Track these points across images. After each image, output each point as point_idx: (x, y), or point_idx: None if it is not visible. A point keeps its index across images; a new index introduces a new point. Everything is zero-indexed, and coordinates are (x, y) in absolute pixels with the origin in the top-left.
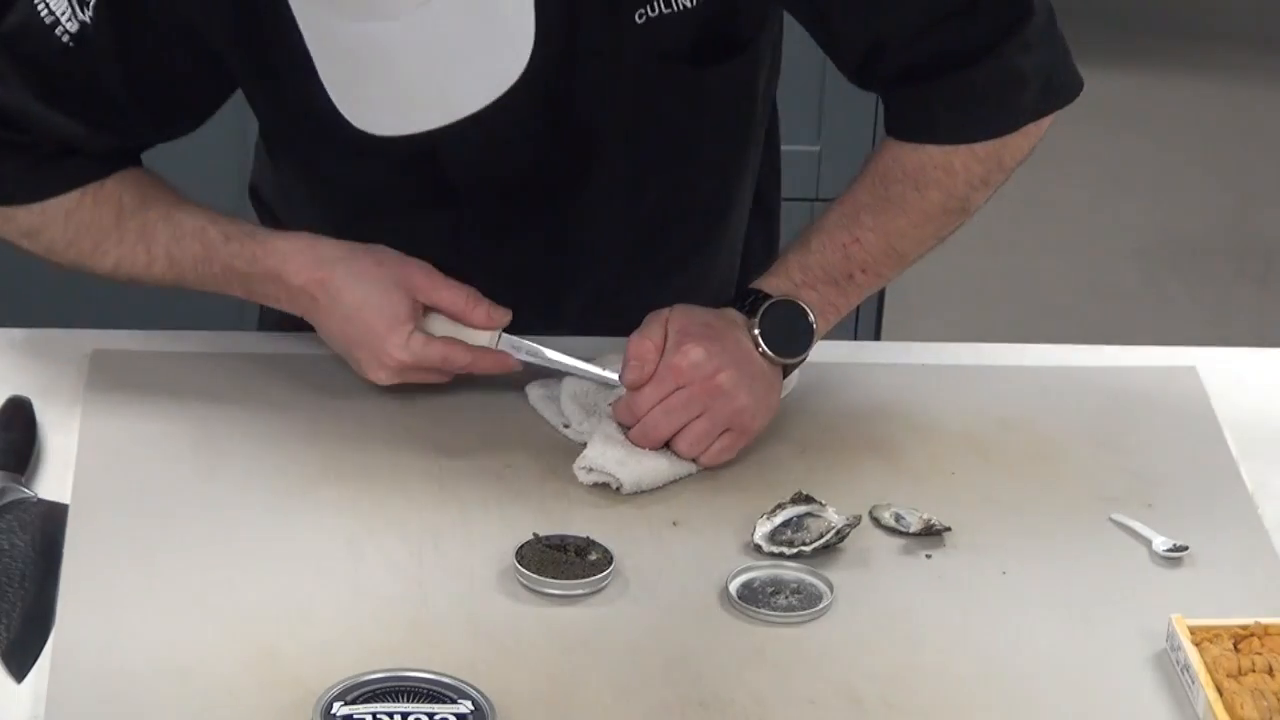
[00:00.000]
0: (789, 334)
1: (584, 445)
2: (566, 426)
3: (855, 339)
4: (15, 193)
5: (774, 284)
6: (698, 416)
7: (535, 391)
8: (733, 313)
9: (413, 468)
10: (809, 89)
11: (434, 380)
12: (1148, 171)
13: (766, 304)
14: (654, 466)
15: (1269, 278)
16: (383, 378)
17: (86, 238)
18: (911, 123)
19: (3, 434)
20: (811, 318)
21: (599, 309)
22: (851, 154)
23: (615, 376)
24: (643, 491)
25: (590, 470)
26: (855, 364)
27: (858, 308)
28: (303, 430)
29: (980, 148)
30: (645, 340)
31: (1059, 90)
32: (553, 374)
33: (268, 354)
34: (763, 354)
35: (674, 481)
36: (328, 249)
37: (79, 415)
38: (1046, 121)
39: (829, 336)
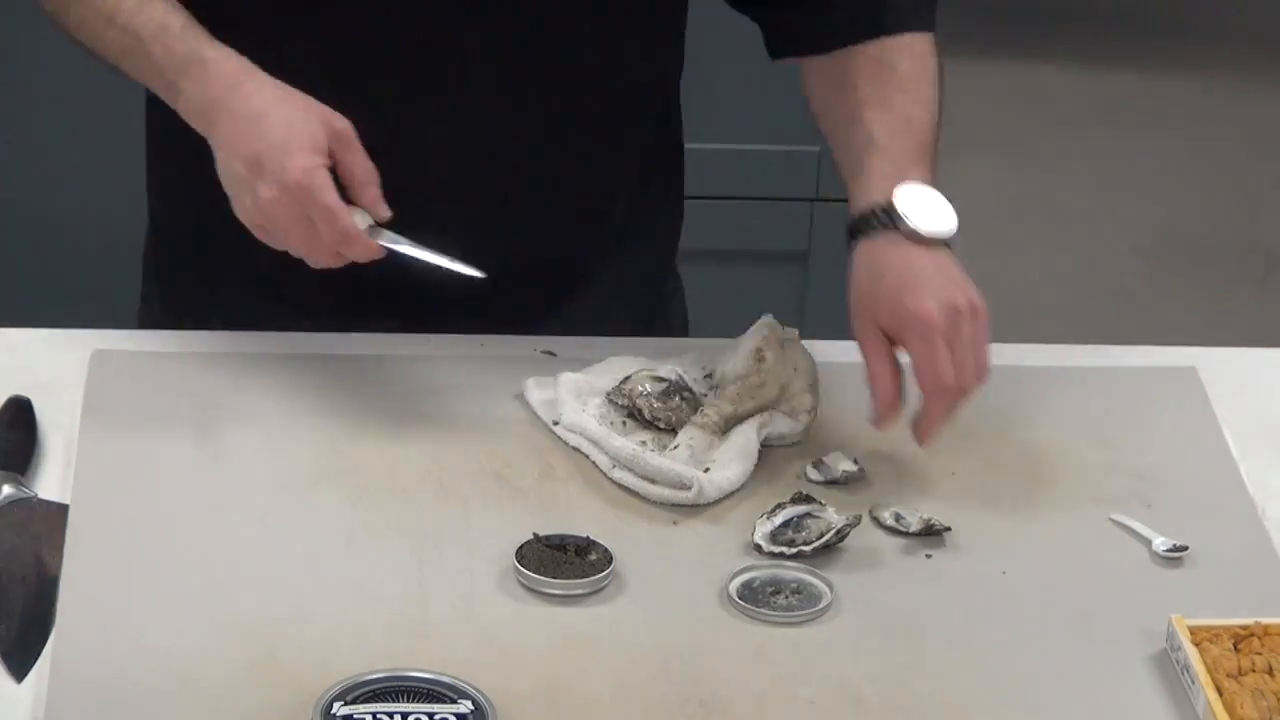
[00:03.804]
0: (934, 210)
1: (579, 445)
2: (556, 424)
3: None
4: None
5: (880, 188)
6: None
7: (530, 388)
8: (879, 244)
9: (413, 468)
10: None
11: (291, 233)
12: (1148, 171)
13: (897, 198)
14: (730, 475)
15: (1269, 278)
16: (261, 197)
17: None
18: (864, 22)
19: (3, 434)
20: (933, 186)
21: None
22: None
23: (477, 271)
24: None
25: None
26: (855, 364)
27: None
28: (303, 430)
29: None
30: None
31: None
32: (549, 371)
33: (268, 354)
34: (929, 244)
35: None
36: (263, 72)
37: (79, 415)
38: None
39: (830, 335)
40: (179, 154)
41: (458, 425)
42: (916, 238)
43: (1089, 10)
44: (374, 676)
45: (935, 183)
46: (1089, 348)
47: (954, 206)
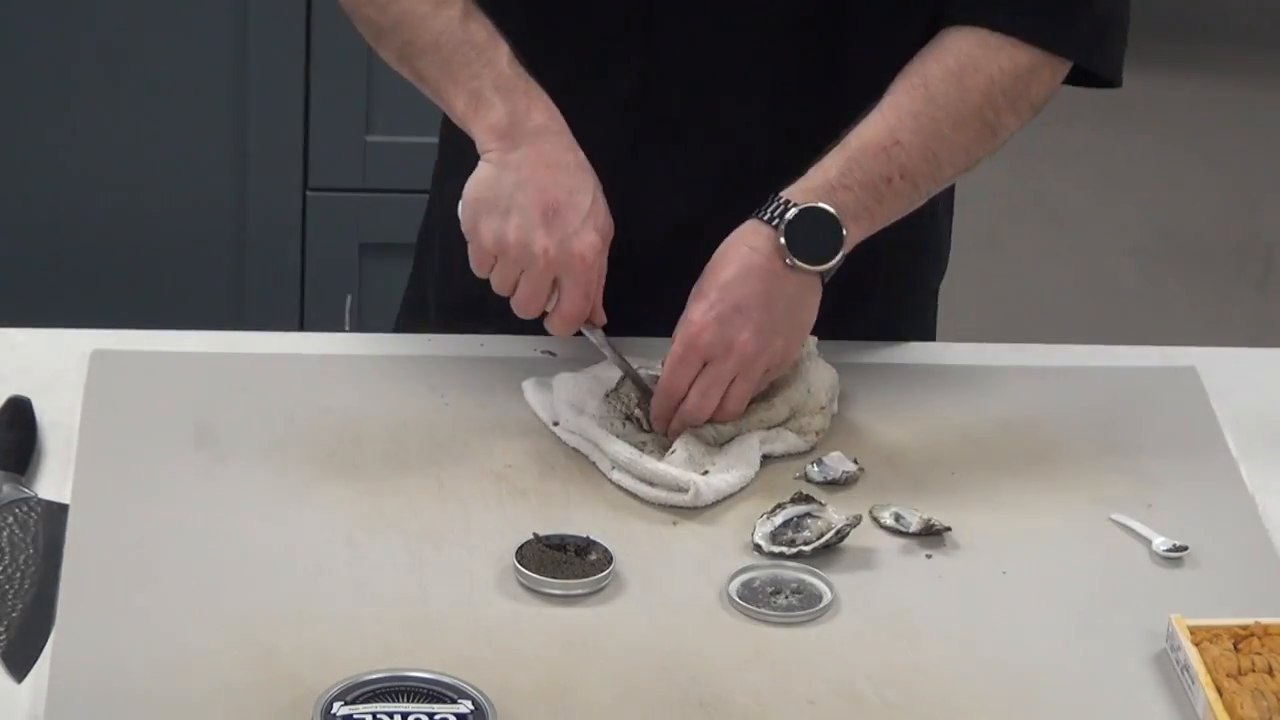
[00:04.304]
0: (819, 239)
1: (578, 445)
2: (556, 424)
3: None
4: None
5: (806, 186)
6: (732, 382)
7: (530, 388)
8: (753, 227)
9: (413, 468)
10: None
11: (530, 283)
12: (1148, 171)
13: (793, 211)
14: (729, 479)
15: (1269, 278)
16: (535, 244)
17: None
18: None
19: (3, 434)
20: (842, 222)
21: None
22: None
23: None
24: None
25: (655, 486)
26: (855, 364)
27: None
28: (303, 430)
29: (1022, 56)
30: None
31: (1105, 55)
32: (548, 371)
33: (268, 354)
34: (790, 264)
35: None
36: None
37: (79, 415)
38: (1064, 70)
39: (829, 336)
40: None
41: (458, 425)
42: (783, 258)
43: None
44: (374, 676)
45: (879, 215)
46: (1089, 348)
47: (951, 206)
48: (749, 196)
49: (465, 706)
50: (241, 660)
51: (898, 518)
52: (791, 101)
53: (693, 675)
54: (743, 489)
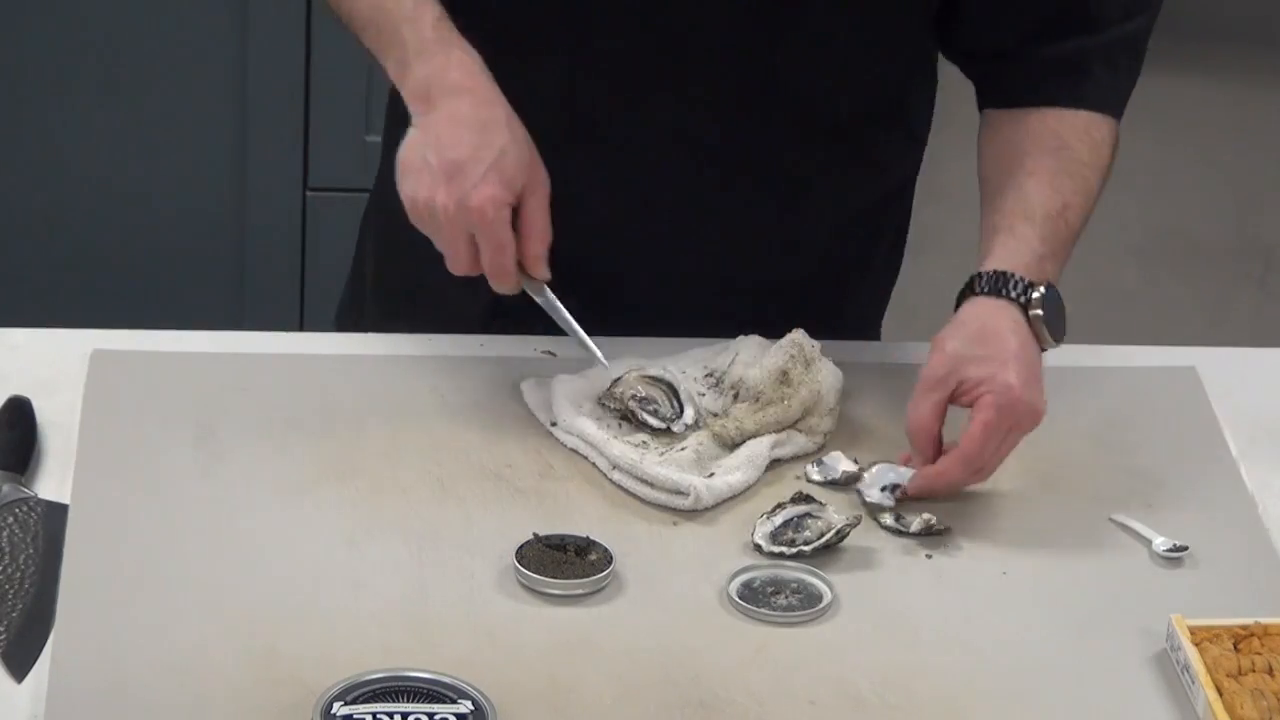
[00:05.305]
0: (1059, 317)
1: (576, 446)
2: (554, 425)
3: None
4: None
5: (1022, 262)
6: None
7: (529, 388)
8: (1000, 307)
9: (413, 468)
10: None
11: (445, 237)
12: (1148, 171)
13: (1041, 293)
14: (732, 481)
15: (1269, 278)
16: (437, 200)
17: None
18: (1066, 86)
19: (3, 434)
20: (1060, 295)
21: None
22: None
23: (601, 356)
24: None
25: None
26: (855, 364)
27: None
28: (303, 430)
29: (1098, 122)
30: (921, 417)
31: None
32: (548, 371)
33: (268, 354)
34: (1041, 342)
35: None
36: (502, 94)
37: (79, 415)
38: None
39: (828, 336)
40: None
41: (458, 425)
42: (1037, 335)
43: None
44: (374, 676)
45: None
46: (1089, 348)
47: (953, 207)
48: (672, 200)
49: (465, 706)
50: (241, 660)
51: (898, 517)
52: (721, 105)
53: (693, 675)
54: (744, 491)
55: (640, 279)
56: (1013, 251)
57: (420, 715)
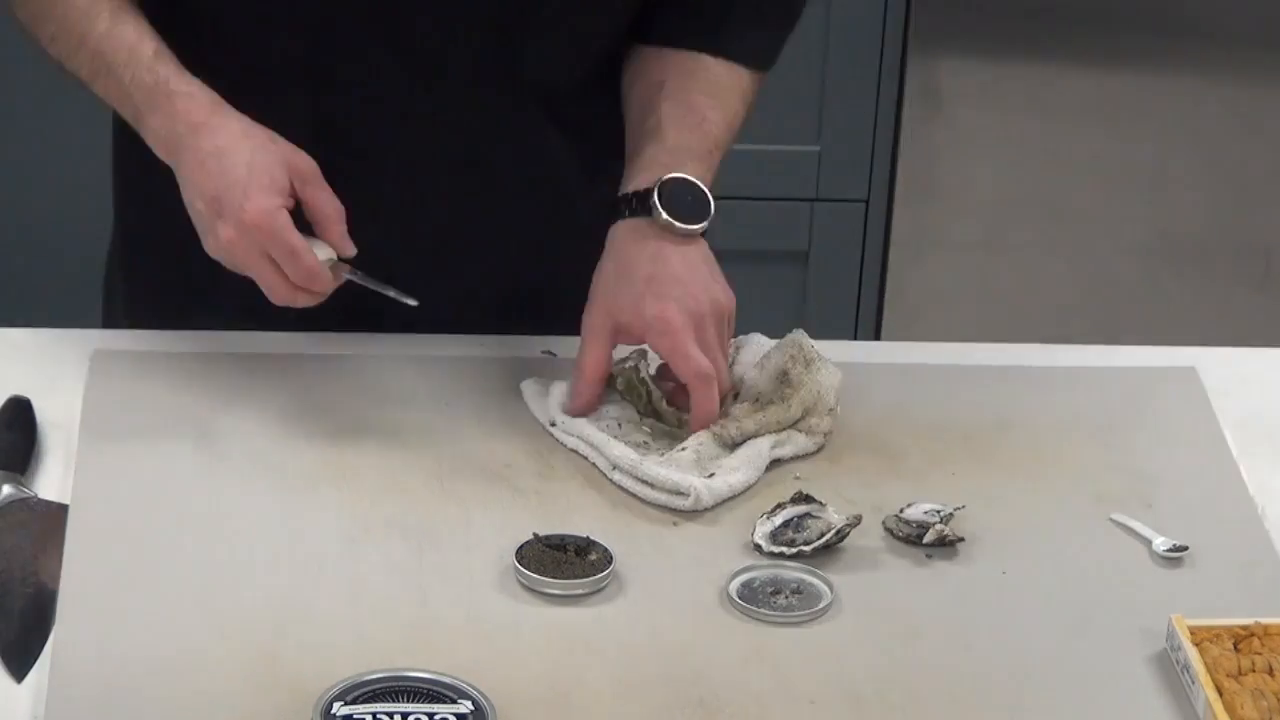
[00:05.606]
0: (690, 199)
1: (576, 447)
2: (553, 425)
3: (855, 339)
4: None
5: (647, 175)
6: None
7: (529, 388)
8: (632, 227)
9: (413, 468)
10: (809, 89)
11: (253, 269)
12: (1148, 171)
13: (657, 189)
14: (733, 481)
15: (1269, 278)
16: (222, 237)
17: None
18: (712, 35)
19: (3, 434)
20: (700, 183)
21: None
22: (852, 154)
23: (411, 300)
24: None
25: (656, 488)
26: (855, 364)
27: (857, 307)
28: (303, 430)
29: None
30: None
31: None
32: (548, 371)
33: (268, 354)
34: (683, 235)
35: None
36: (231, 108)
37: (79, 415)
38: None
39: (830, 336)
40: (151, 175)
41: (458, 425)
42: (670, 230)
43: (1089, 10)
44: (374, 676)
45: (711, 183)
46: (1089, 348)
47: (953, 207)
48: (439, 215)
49: (465, 706)
50: (241, 660)
51: (919, 525)
52: (473, 137)
53: (693, 675)
54: (745, 492)
55: (417, 295)
56: (636, 172)
57: (420, 715)
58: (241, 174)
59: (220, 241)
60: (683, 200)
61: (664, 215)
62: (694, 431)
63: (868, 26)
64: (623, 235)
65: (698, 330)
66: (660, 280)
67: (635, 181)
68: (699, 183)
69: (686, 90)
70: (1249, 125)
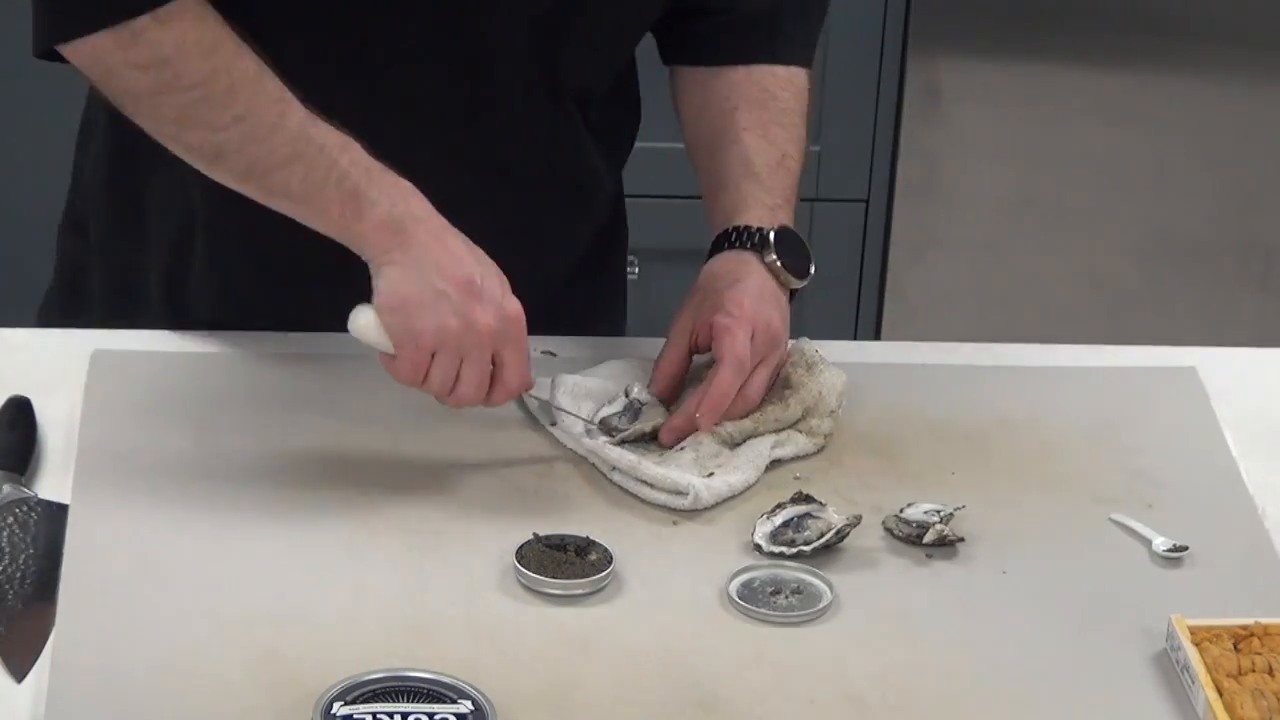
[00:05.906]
0: (799, 255)
1: (575, 447)
2: (553, 425)
3: (855, 339)
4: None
5: (755, 214)
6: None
7: (528, 392)
8: (742, 259)
9: (413, 468)
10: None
11: (479, 361)
12: (1148, 171)
13: (774, 234)
14: (732, 481)
15: (1269, 278)
16: (476, 321)
17: (222, 78)
18: (763, 44)
19: (3, 434)
20: (802, 235)
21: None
22: (851, 154)
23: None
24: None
25: (656, 488)
26: (855, 364)
27: (857, 307)
28: (303, 431)
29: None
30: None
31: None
32: (548, 371)
33: (268, 354)
34: (784, 283)
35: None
36: None
37: (79, 415)
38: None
39: (830, 335)
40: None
41: (458, 425)
42: (778, 276)
43: (1089, 10)
44: (374, 676)
45: (795, 222)
46: (1089, 348)
47: (953, 207)
48: (467, 229)
49: (465, 706)
50: (241, 660)
51: (919, 525)
52: (511, 140)
53: (693, 675)
54: (744, 492)
55: None
56: (742, 208)
57: (420, 715)
58: (494, 269)
59: (466, 323)
60: (795, 252)
61: (777, 262)
62: (698, 415)
63: (868, 26)
64: (733, 262)
65: (756, 342)
66: (761, 295)
67: (743, 217)
68: (805, 242)
69: (764, 124)
70: (1249, 125)
